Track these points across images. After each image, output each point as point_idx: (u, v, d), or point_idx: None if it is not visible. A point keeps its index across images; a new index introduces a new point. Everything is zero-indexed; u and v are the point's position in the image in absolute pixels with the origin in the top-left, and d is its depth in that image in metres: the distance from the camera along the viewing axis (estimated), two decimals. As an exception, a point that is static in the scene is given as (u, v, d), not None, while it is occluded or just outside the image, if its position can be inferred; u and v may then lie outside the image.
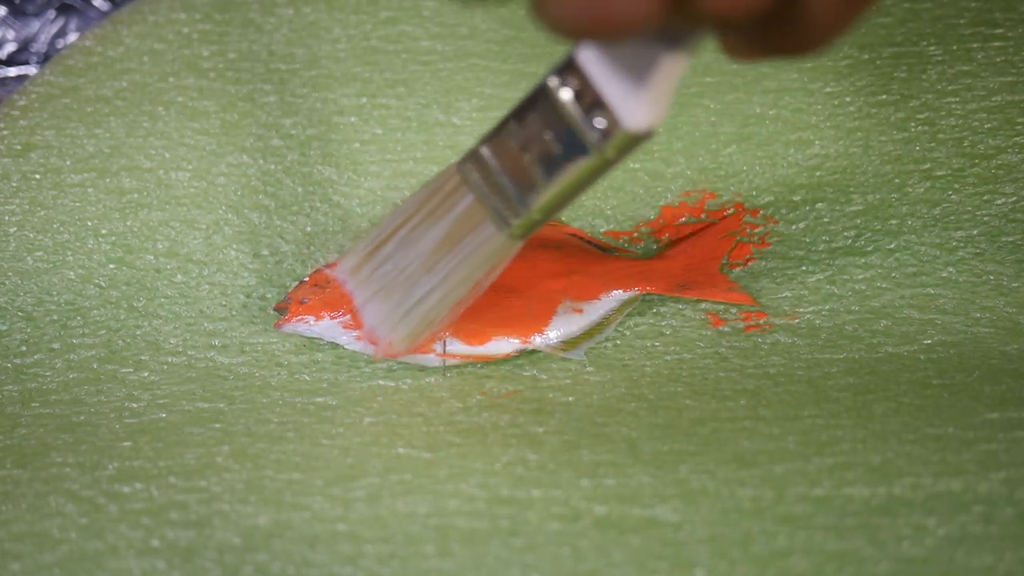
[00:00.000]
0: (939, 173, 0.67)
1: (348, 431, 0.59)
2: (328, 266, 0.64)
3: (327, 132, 0.69)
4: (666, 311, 0.64)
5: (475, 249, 0.58)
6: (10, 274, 0.66)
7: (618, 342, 0.63)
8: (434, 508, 0.55)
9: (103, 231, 0.67)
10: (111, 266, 0.66)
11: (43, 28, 0.79)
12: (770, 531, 0.54)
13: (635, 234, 0.67)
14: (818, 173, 0.67)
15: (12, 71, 0.78)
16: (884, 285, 0.64)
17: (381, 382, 0.62)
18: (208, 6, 0.73)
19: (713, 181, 0.68)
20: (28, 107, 0.70)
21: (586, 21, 0.46)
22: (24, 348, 0.64)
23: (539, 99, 0.54)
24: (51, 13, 0.79)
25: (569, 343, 0.62)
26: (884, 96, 0.69)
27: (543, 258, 0.64)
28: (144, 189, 0.68)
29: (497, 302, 0.62)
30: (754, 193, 0.67)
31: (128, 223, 0.67)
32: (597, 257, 0.65)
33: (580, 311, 0.63)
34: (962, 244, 0.65)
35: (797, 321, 0.63)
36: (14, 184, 0.68)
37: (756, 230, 0.66)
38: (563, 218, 0.67)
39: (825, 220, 0.66)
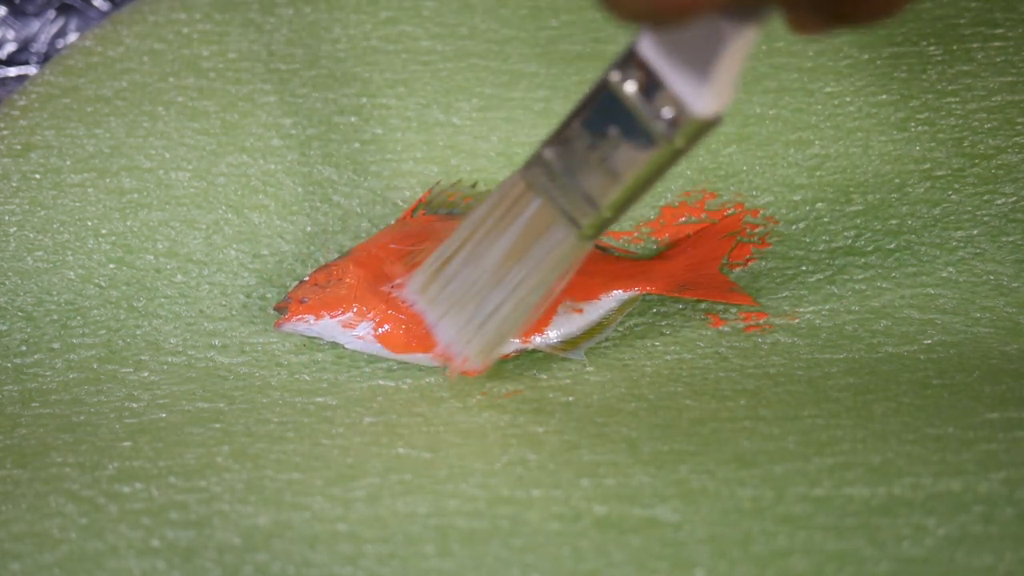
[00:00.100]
0: (939, 173, 0.67)
1: (348, 431, 0.59)
2: (329, 264, 0.64)
3: (327, 132, 0.69)
4: (666, 311, 0.64)
5: (546, 254, 0.57)
6: (10, 274, 0.66)
7: (618, 342, 0.63)
8: (434, 508, 0.55)
9: (103, 231, 0.67)
10: (111, 266, 0.66)
11: (43, 28, 0.79)
12: (770, 531, 0.54)
13: (635, 234, 0.67)
14: (818, 173, 0.67)
15: (12, 71, 0.78)
16: (884, 285, 0.64)
17: (381, 382, 0.62)
18: (208, 6, 0.73)
19: (713, 181, 0.68)
20: (28, 107, 0.70)
21: (659, 4, 0.45)
22: (24, 348, 0.64)
23: (601, 95, 0.53)
24: (51, 13, 0.79)
25: (569, 343, 0.62)
26: (884, 96, 0.69)
27: (543, 258, 0.64)
28: (144, 189, 0.68)
29: (497, 302, 0.62)
30: (754, 193, 0.67)
31: (128, 223, 0.67)
32: (597, 257, 0.65)
33: (580, 311, 0.63)
34: (962, 244, 0.65)
35: (797, 321, 0.63)
36: (14, 184, 0.68)
37: (756, 230, 0.66)
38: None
39: (825, 220, 0.66)
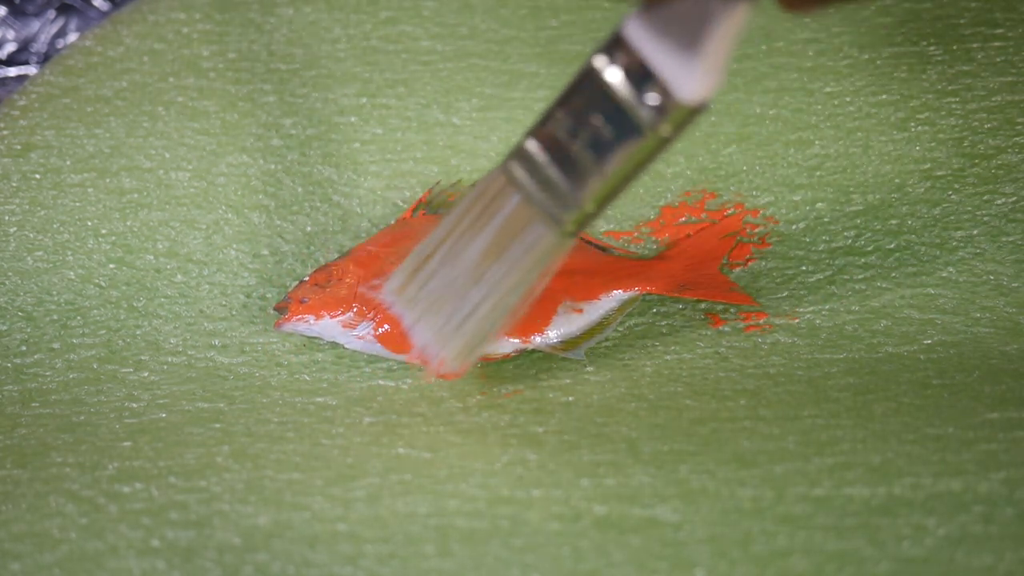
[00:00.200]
0: (939, 173, 0.67)
1: (348, 431, 0.59)
2: (329, 264, 0.64)
3: (327, 132, 0.69)
4: (666, 311, 0.64)
5: (526, 252, 0.55)
6: (10, 274, 0.66)
7: (618, 342, 0.63)
8: (434, 508, 0.55)
9: (103, 231, 0.67)
10: (111, 266, 0.66)
11: (43, 28, 0.79)
12: (770, 531, 0.53)
13: (635, 234, 0.67)
14: (818, 173, 0.67)
15: (12, 71, 0.78)
16: (884, 285, 0.64)
17: (381, 382, 0.62)
18: (208, 6, 0.73)
19: (713, 181, 0.68)
20: (28, 107, 0.70)
21: None
22: (24, 348, 0.64)
23: (585, 82, 0.51)
24: (51, 13, 0.79)
25: (569, 343, 0.62)
26: (884, 96, 0.69)
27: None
28: (144, 189, 0.68)
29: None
30: (754, 193, 0.67)
31: (128, 223, 0.67)
32: (597, 257, 0.65)
33: (580, 311, 0.63)
34: (962, 244, 0.65)
35: (797, 321, 0.63)
36: (14, 184, 0.68)
37: (756, 230, 0.66)
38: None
39: (825, 220, 0.66)
